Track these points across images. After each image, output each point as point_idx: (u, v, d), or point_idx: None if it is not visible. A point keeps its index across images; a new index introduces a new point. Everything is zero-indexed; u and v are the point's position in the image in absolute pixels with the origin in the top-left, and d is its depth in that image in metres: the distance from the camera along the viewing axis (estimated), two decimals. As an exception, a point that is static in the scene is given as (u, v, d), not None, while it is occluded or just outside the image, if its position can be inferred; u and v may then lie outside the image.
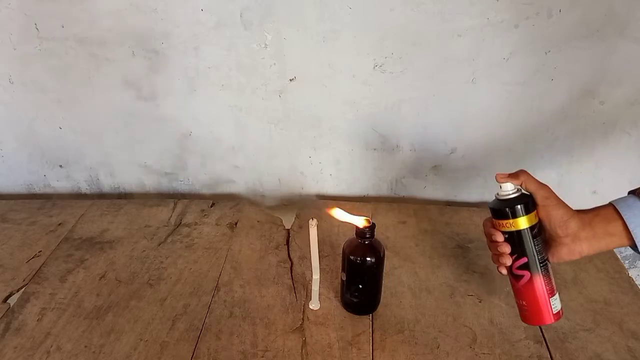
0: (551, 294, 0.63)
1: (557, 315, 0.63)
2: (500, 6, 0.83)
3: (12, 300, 0.78)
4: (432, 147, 0.99)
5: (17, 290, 0.80)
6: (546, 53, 0.87)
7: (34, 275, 0.83)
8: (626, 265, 0.86)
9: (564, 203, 0.62)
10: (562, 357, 0.68)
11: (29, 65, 0.94)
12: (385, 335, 0.71)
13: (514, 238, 0.63)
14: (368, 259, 0.70)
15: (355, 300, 0.74)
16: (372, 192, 1.07)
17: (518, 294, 0.65)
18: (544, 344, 0.70)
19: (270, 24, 0.87)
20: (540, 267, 0.63)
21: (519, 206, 0.61)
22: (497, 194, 0.64)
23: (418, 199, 1.06)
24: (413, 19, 0.85)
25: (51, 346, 0.70)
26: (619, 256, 0.87)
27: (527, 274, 0.63)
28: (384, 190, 1.06)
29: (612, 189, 1.01)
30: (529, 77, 0.90)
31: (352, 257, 0.70)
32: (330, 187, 1.06)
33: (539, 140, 0.97)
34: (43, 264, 0.85)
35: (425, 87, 0.92)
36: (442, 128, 0.97)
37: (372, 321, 0.74)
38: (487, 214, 0.65)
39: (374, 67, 0.90)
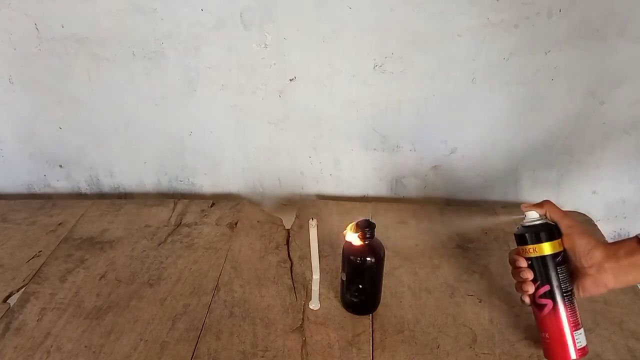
0: (575, 327, 0.63)
1: (582, 351, 0.63)
2: (500, 6, 0.83)
3: (12, 300, 0.78)
4: (432, 147, 0.99)
5: (17, 290, 0.80)
6: (546, 53, 0.87)
7: (34, 275, 0.83)
8: (626, 265, 0.86)
9: (589, 233, 0.63)
10: (562, 357, 0.68)
11: (29, 65, 0.94)
12: (385, 335, 0.71)
13: (538, 264, 0.63)
14: (368, 259, 0.70)
15: (355, 300, 0.74)
16: (372, 192, 1.07)
17: (541, 325, 0.65)
18: (544, 344, 0.70)
19: (270, 24, 0.87)
20: (564, 296, 0.62)
21: (542, 232, 0.62)
22: (522, 223, 0.65)
23: (418, 199, 1.06)
24: (413, 19, 0.85)
25: (51, 346, 0.70)
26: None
27: (549, 302, 0.63)
28: (384, 190, 1.06)
29: (612, 189, 1.02)
30: (529, 77, 0.90)
31: (352, 257, 0.70)
32: (330, 187, 1.06)
33: (539, 140, 0.97)
34: (43, 264, 0.85)
35: (425, 87, 0.92)
36: (442, 128, 0.97)
37: (372, 321, 0.74)
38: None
39: (374, 67, 0.90)
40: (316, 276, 0.72)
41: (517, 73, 0.89)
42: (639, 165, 0.98)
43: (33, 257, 0.87)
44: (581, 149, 0.97)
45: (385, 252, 0.72)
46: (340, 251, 0.73)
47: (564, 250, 0.63)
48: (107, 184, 1.09)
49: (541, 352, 0.68)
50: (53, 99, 0.98)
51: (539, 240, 0.62)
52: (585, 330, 0.64)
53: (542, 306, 0.63)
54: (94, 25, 0.89)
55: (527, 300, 0.65)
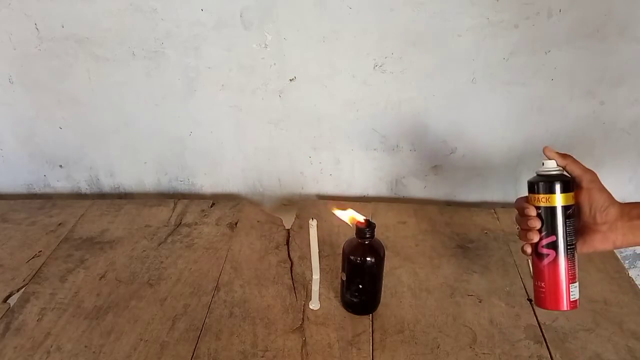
0: (572, 280, 0.63)
1: (574, 304, 0.63)
2: (500, 6, 0.83)
3: (12, 300, 0.78)
4: (432, 147, 0.99)
5: (17, 290, 0.80)
6: (546, 53, 0.87)
7: (34, 275, 0.83)
8: (626, 265, 0.86)
9: (608, 190, 0.63)
10: (562, 357, 0.68)
11: (29, 65, 0.94)
12: (385, 335, 0.71)
13: (547, 214, 0.63)
14: (368, 259, 0.70)
15: (355, 300, 0.74)
16: (372, 192, 1.07)
17: (539, 274, 0.65)
18: (544, 344, 0.70)
19: (270, 24, 0.87)
20: (567, 249, 0.63)
21: (557, 183, 0.62)
22: (538, 170, 0.65)
23: (418, 199, 1.06)
24: (413, 19, 0.85)
25: (51, 346, 0.70)
26: (619, 256, 0.87)
27: (552, 253, 0.63)
28: (384, 190, 1.06)
29: (612, 189, 1.01)
30: (529, 77, 0.90)
31: (352, 257, 0.70)
32: (330, 187, 1.06)
33: (539, 140, 0.97)
34: (43, 264, 0.85)
35: (425, 87, 0.92)
36: (442, 128, 0.97)
37: (372, 321, 0.74)
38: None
39: (374, 67, 0.90)
40: (316, 276, 0.72)
41: (517, 73, 0.89)
42: (639, 165, 0.98)
43: (33, 257, 0.87)
44: (581, 149, 0.97)
45: (385, 252, 0.72)
46: (340, 251, 0.73)
47: (574, 205, 0.63)
48: (107, 184, 1.09)
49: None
50: (53, 99, 0.98)
51: (552, 190, 0.62)
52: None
53: (544, 256, 0.64)
54: (94, 25, 0.89)
55: (528, 250, 0.65)
